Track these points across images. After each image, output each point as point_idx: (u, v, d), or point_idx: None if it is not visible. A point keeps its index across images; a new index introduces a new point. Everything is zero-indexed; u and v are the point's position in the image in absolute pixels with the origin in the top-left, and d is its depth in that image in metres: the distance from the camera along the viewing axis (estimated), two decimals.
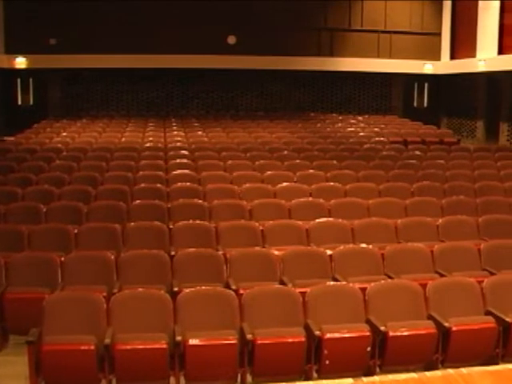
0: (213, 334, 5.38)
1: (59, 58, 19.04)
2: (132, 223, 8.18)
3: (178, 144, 14.34)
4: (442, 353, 5.72)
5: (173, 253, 7.22)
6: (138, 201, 9.28)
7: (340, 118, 20.68)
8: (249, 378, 5.51)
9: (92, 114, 19.63)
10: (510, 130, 18.34)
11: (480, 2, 19.54)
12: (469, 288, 6.27)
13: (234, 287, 6.35)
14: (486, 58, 18.97)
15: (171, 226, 8.17)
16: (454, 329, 5.62)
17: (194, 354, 5.26)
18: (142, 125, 17.67)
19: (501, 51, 18.54)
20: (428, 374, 4.91)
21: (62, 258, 6.83)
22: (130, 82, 20.73)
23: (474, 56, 19.84)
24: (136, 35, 19.45)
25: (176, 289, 6.27)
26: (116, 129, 16.77)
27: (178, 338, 5.24)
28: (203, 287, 6.02)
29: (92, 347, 5.13)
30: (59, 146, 13.66)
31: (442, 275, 6.94)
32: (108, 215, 8.62)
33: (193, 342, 5.25)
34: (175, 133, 16.29)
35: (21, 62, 19.51)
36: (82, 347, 5.15)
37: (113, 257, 6.90)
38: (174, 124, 17.97)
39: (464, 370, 4.80)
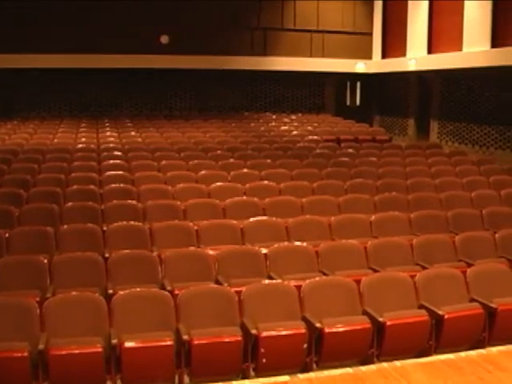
0: (149, 335, 5.33)
1: None
2: (65, 226, 8.04)
3: (111, 145, 14.17)
4: (377, 347, 5.80)
5: (107, 255, 7.15)
6: (70, 203, 9.14)
7: (273, 117, 20.78)
8: (186, 379, 5.48)
9: (22, 115, 19.22)
10: (440, 128, 18.73)
11: (409, 3, 19.89)
12: (402, 283, 6.39)
13: (169, 288, 6.31)
14: (416, 57, 19.33)
15: (105, 228, 8.08)
16: (389, 323, 5.71)
17: (130, 356, 5.20)
18: (74, 126, 17.40)
19: (430, 51, 18.92)
20: (363, 368, 4.98)
21: None
22: (62, 82, 20.34)
23: (404, 55, 20.20)
24: (67, 35, 19.10)
25: (111, 291, 6.19)
26: (48, 130, 16.47)
27: (114, 341, 5.18)
28: (138, 289, 5.98)
29: (25, 354, 5.01)
30: None
31: (375, 271, 7.05)
32: (40, 218, 8.47)
33: (128, 344, 5.20)
34: (108, 133, 16.11)
35: None
36: (15, 354, 5.03)
37: (46, 260, 6.77)
38: (107, 124, 17.76)
39: (398, 363, 4.88)
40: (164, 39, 20.42)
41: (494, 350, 5.29)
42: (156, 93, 21.29)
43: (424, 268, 7.09)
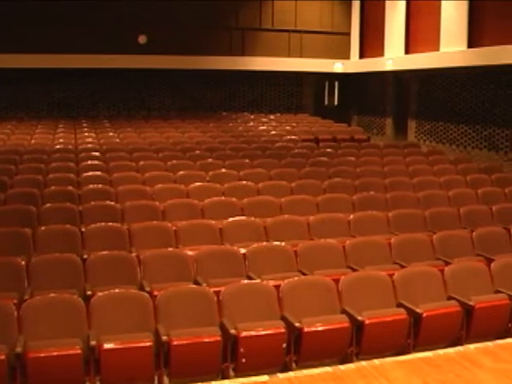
0: (128, 337, 5.31)
1: None
2: (43, 227, 7.98)
3: (89, 145, 14.11)
4: (356, 346, 5.82)
5: (85, 256, 7.10)
6: (48, 204, 9.07)
7: (252, 116, 20.79)
8: (166, 380, 5.46)
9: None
10: (417, 127, 18.84)
11: (387, 3, 20.00)
12: (380, 281, 6.42)
13: (147, 289, 6.29)
14: (394, 57, 19.44)
15: (83, 229, 8.03)
16: (367, 322, 5.73)
17: (109, 358, 5.18)
18: (52, 126, 17.30)
19: (407, 51, 19.03)
20: (342, 367, 4.98)
21: None
22: (40, 82, 20.20)
23: (382, 55, 20.30)
24: (45, 35, 18.98)
25: (89, 292, 6.16)
26: (25, 131, 16.35)
27: (93, 343, 5.15)
28: (116, 290, 5.95)
29: (3, 357, 4.95)
30: None
31: (354, 270, 7.07)
32: (18, 219, 8.40)
33: (107, 346, 5.17)
34: (86, 134, 16.01)
35: None
36: None
37: (23, 262, 6.70)
38: (85, 125, 17.67)
39: (377, 362, 4.90)
40: (142, 39, 20.35)
41: (472, 347, 5.33)
42: (134, 93, 21.22)
43: (402, 267, 7.13)
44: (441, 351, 5.23)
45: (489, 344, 5.38)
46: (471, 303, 6.11)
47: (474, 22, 15.99)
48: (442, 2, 16.98)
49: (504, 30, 14.83)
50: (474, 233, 8.30)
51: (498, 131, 15.45)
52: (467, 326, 6.14)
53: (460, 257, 7.58)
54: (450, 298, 6.34)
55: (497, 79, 15.39)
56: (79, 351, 5.09)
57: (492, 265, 6.95)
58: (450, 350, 5.26)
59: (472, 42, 15.98)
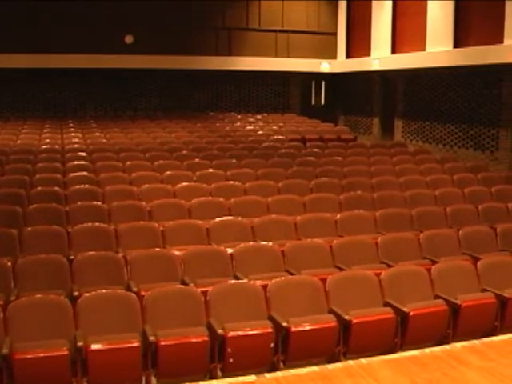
0: (115, 337, 5.29)
1: None
2: (29, 228, 7.95)
3: (76, 146, 14.05)
4: (343, 345, 5.83)
5: (72, 257, 7.07)
6: (34, 205, 9.03)
7: (239, 116, 20.78)
8: (153, 380, 5.45)
9: None
10: (404, 127, 18.89)
11: (374, 3, 20.05)
12: (367, 281, 6.44)
13: (134, 289, 6.28)
14: (380, 57, 19.48)
15: (70, 230, 8.00)
16: (355, 321, 5.74)
17: (96, 359, 5.16)
18: (38, 126, 17.20)
19: (394, 51, 19.08)
20: (329, 366, 4.99)
21: None
22: (26, 82, 20.10)
23: (368, 55, 20.35)
24: (30, 34, 18.89)
25: (76, 293, 6.13)
26: (11, 131, 16.25)
27: (80, 344, 5.13)
28: (103, 290, 5.93)
29: None
30: None
31: (341, 269, 7.09)
32: (4, 220, 8.35)
33: (95, 346, 5.15)
34: (73, 134, 15.95)
35: None
36: None
37: (9, 263, 6.67)
38: (72, 125, 17.59)
39: (364, 361, 4.91)
40: (128, 39, 20.30)
41: (458, 345, 5.35)
42: (121, 93, 21.14)
43: (389, 266, 7.15)
44: (428, 350, 5.25)
45: (475, 342, 5.40)
46: (458, 302, 6.14)
47: (459, 22, 16.06)
48: (429, 2, 17.05)
49: (489, 30, 14.90)
50: (460, 232, 8.34)
51: (484, 130, 15.51)
52: (454, 325, 6.17)
53: (447, 256, 7.61)
54: (436, 297, 6.37)
55: (483, 79, 15.45)
56: (66, 352, 5.07)
57: (478, 264, 6.98)
58: (437, 349, 5.27)
59: (458, 42, 16.06)
